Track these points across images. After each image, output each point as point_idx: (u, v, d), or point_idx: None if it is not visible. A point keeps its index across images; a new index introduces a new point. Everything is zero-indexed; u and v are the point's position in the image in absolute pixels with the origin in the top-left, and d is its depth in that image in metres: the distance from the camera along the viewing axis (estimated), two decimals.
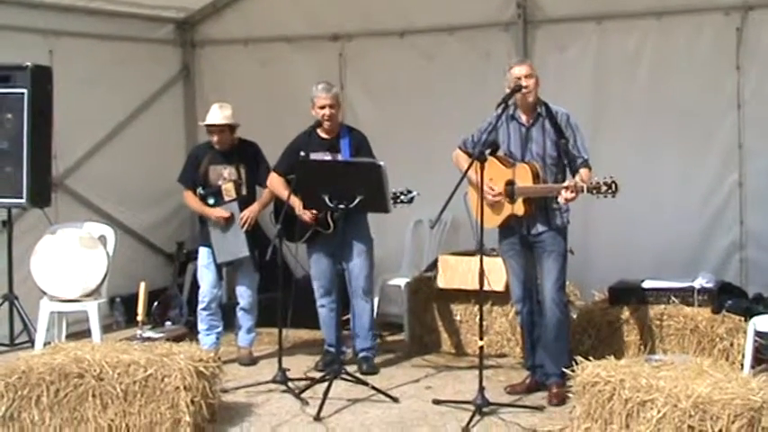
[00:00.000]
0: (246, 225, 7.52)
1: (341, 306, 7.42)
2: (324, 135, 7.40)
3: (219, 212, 7.56)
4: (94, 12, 8.94)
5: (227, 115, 7.61)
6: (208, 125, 7.65)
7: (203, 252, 7.73)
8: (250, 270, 7.70)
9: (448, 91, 8.68)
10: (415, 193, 7.03)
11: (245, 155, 7.70)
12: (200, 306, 7.71)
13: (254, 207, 7.61)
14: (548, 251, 6.53)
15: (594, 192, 6.08)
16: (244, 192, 7.64)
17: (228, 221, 7.54)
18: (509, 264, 6.79)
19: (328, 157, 7.30)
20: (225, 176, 7.64)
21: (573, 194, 6.17)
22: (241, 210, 7.56)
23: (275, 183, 7.43)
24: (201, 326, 7.73)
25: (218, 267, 7.69)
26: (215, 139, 7.63)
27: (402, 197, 7.00)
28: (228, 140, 7.64)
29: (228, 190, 7.61)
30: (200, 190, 7.69)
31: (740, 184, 7.81)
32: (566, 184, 6.24)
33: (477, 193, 6.47)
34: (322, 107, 7.29)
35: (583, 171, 6.40)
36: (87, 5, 8.83)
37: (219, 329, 7.78)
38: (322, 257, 7.44)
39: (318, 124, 7.34)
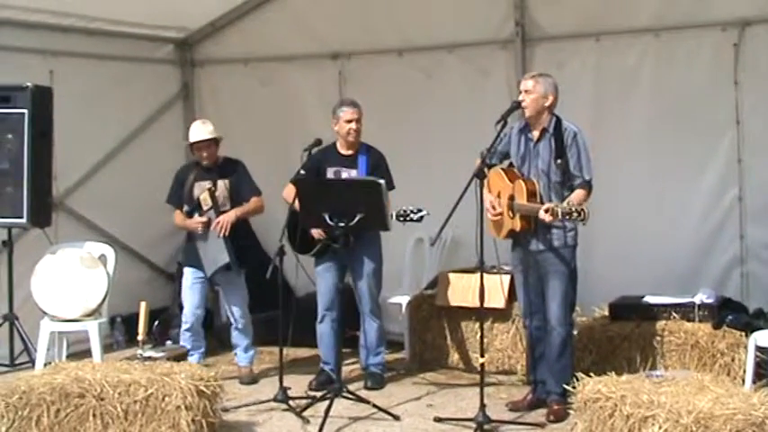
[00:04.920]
0: (221, 231, 7.50)
1: (342, 325, 7.40)
2: (343, 151, 7.45)
3: (197, 219, 7.58)
4: (94, 32, 8.97)
5: (210, 130, 7.67)
6: (195, 142, 7.65)
7: (187, 272, 7.77)
8: (238, 288, 7.75)
9: (447, 108, 8.69)
10: (425, 212, 6.90)
11: (228, 171, 7.73)
12: (184, 327, 7.75)
13: (230, 213, 7.58)
14: (551, 271, 6.53)
15: (567, 217, 6.06)
16: (227, 206, 7.62)
17: (207, 229, 7.55)
18: (516, 278, 6.84)
19: (344, 173, 7.35)
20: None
21: (551, 217, 6.12)
22: None
23: (289, 191, 7.35)
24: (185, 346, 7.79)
25: (210, 283, 7.72)
26: (203, 154, 7.64)
27: (412, 215, 6.93)
28: (215, 155, 7.68)
29: (205, 199, 7.61)
30: (186, 207, 7.73)
31: (740, 199, 7.79)
32: (545, 206, 6.19)
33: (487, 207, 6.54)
34: (349, 121, 7.37)
35: (575, 192, 6.39)
36: (87, 26, 8.86)
37: (202, 350, 7.84)
38: (329, 272, 7.45)
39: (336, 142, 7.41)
